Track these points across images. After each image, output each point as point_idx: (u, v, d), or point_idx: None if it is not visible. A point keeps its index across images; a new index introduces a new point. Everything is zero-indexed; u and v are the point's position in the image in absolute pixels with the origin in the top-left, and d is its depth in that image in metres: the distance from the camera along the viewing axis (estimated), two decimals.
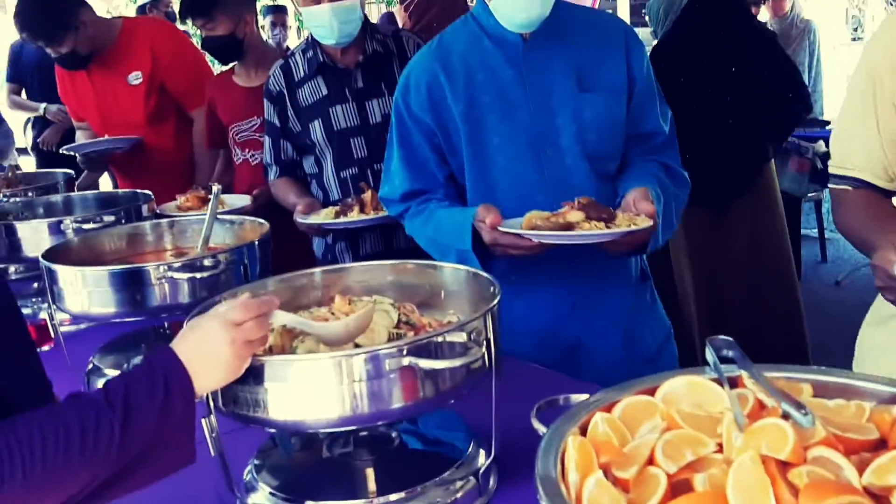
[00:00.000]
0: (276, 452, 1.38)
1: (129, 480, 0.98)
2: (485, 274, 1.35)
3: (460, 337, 1.12)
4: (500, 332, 1.20)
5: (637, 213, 1.55)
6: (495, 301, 1.19)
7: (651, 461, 0.84)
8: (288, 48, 5.71)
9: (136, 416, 0.96)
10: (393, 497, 1.18)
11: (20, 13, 2.82)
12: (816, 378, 0.95)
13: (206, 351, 1.05)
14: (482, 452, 1.28)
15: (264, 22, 5.78)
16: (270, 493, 1.23)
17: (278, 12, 5.92)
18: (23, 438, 0.90)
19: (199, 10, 2.64)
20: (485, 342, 1.14)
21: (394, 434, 1.34)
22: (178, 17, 2.73)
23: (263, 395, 1.11)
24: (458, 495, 1.19)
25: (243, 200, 2.60)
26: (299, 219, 2.20)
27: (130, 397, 0.97)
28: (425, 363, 1.07)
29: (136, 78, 2.98)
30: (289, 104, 2.33)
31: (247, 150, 2.82)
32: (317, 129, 2.29)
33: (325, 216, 2.21)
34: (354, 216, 2.14)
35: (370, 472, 1.27)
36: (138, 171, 3.09)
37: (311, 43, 2.30)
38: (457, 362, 1.08)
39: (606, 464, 0.83)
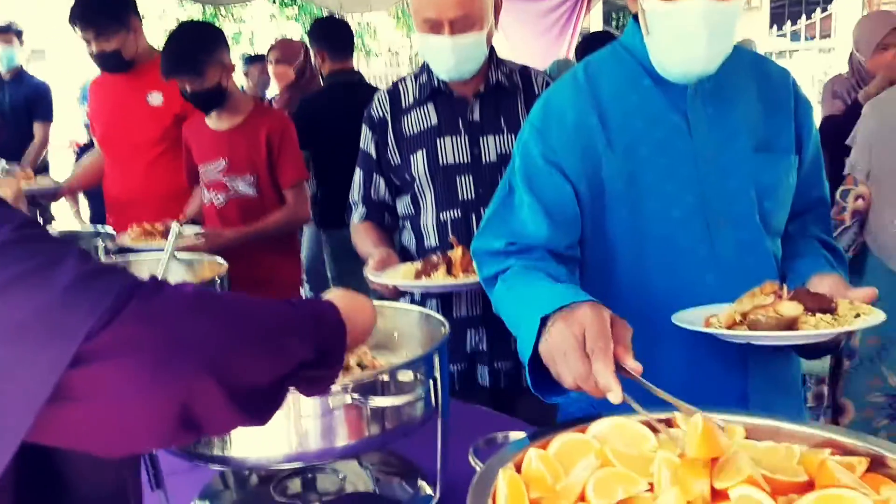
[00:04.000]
0: (221, 493, 1.37)
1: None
2: (437, 315, 1.36)
3: (406, 375, 1.13)
4: (447, 371, 1.21)
5: (850, 301, 1.26)
6: (442, 340, 1.21)
7: (582, 498, 0.85)
8: (263, 98, 5.77)
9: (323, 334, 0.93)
10: None
11: (76, 5, 2.90)
12: (748, 421, 0.97)
13: (361, 320, 1.05)
14: (428, 493, 1.27)
15: (248, 70, 5.83)
16: None
17: (259, 61, 5.95)
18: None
19: (189, 69, 2.58)
20: (431, 381, 1.15)
21: (341, 475, 1.33)
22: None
23: None
24: None
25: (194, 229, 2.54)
26: (370, 276, 1.86)
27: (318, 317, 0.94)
28: (370, 401, 1.08)
29: (156, 98, 3.01)
30: (390, 131, 2.03)
31: (212, 191, 2.79)
32: (419, 161, 1.99)
33: (402, 274, 1.84)
34: (438, 278, 1.77)
35: None
36: (129, 198, 3.10)
37: (426, 67, 2.01)
38: (401, 400, 1.09)
39: (537, 499, 0.84)
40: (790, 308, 1.22)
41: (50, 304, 0.68)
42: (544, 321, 1.11)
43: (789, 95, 1.47)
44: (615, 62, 1.46)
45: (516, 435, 0.99)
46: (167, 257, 1.77)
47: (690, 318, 1.29)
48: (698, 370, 1.38)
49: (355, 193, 2.12)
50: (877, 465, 0.87)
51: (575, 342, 1.02)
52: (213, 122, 2.81)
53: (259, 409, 0.84)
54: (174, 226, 1.86)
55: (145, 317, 0.71)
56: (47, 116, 4.96)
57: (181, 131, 2.99)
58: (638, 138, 1.39)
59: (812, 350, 1.35)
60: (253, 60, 5.94)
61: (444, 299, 1.99)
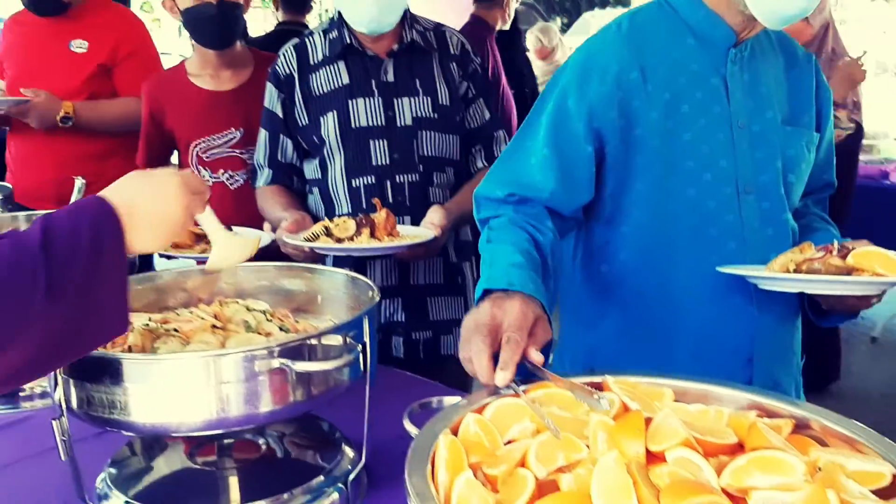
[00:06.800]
0: (133, 460, 1.30)
1: (64, 345, 0.86)
2: (364, 279, 1.33)
3: (335, 340, 1.10)
4: (376, 336, 1.19)
5: None
6: (372, 305, 1.18)
7: (523, 463, 0.84)
8: None
9: (61, 260, 0.84)
10: None
11: None
12: (677, 384, 0.99)
13: (156, 203, 0.95)
14: (353, 459, 1.25)
15: None
16: (126, 502, 1.16)
17: None
18: None
19: None
20: (360, 346, 1.12)
21: (261, 441, 1.29)
22: None
23: (122, 396, 1.04)
24: (326, 503, 1.16)
25: (262, 237, 2.01)
26: (285, 237, 1.73)
27: (52, 241, 0.84)
28: (297, 365, 1.04)
29: (79, 46, 2.72)
30: (298, 89, 1.91)
31: (220, 172, 2.34)
32: (329, 123, 1.88)
33: (322, 238, 1.74)
34: (363, 241, 1.70)
35: (234, 481, 1.22)
36: (35, 153, 2.78)
37: (338, 22, 1.90)
38: (329, 365, 1.06)
39: (477, 464, 0.83)
40: (842, 262, 1.21)
41: None
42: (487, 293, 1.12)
43: (812, 76, 1.49)
44: (660, 17, 1.43)
45: (450, 400, 0.97)
46: None
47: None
48: (707, 333, 1.40)
49: (260, 156, 2.00)
50: (802, 426, 0.90)
51: (490, 323, 1.04)
52: (209, 81, 2.35)
53: None
54: (78, 182, 1.74)
55: None
56: None
57: (105, 84, 2.70)
58: (680, 95, 1.37)
59: (831, 314, 1.39)
60: None
61: (358, 268, 1.91)
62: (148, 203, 0.95)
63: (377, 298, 1.21)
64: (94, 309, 0.87)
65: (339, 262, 1.90)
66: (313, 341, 1.07)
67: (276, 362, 1.03)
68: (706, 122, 1.36)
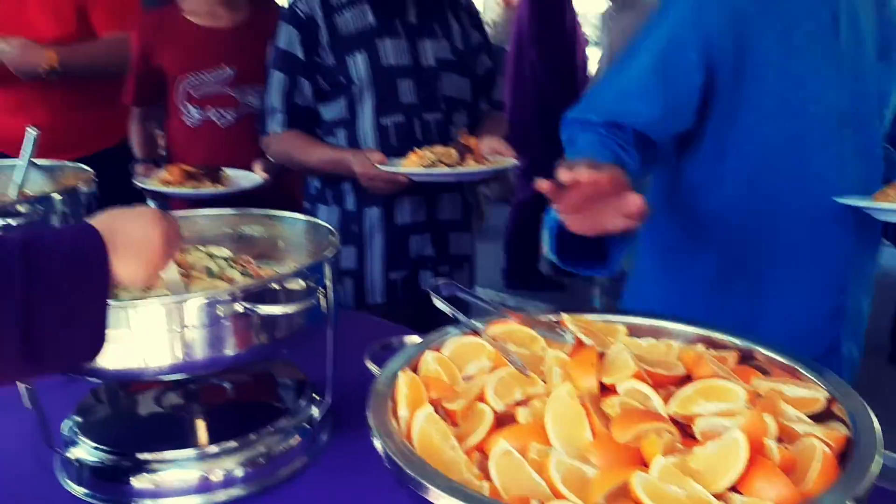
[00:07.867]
0: (99, 408, 1.32)
1: (38, 346, 0.83)
2: (324, 223, 1.34)
3: (297, 283, 1.12)
4: (337, 279, 1.20)
5: None
6: (334, 249, 1.19)
7: (481, 398, 0.88)
8: None
9: (41, 263, 0.82)
10: (225, 446, 1.16)
11: None
12: (630, 321, 1.03)
13: (135, 227, 0.96)
14: (318, 401, 1.28)
15: None
16: (94, 448, 1.18)
17: None
18: None
19: None
20: (321, 290, 1.14)
21: (226, 385, 1.31)
22: None
23: None
24: (293, 443, 1.19)
25: (252, 179, 2.13)
26: (379, 168, 1.80)
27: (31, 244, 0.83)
28: (259, 308, 1.06)
29: None
30: (324, 29, 1.92)
31: (210, 109, 2.32)
32: (359, 63, 1.92)
33: (438, 165, 1.80)
34: (471, 166, 1.79)
35: (201, 423, 1.24)
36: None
37: None
38: (291, 308, 1.07)
39: (436, 399, 0.86)
40: None
41: None
42: None
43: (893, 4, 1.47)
44: None
45: (411, 339, 1.00)
46: (25, 163, 1.64)
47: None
48: (803, 264, 1.43)
49: (275, 98, 2.00)
50: (746, 358, 0.95)
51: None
52: (204, 18, 2.33)
53: None
54: (31, 131, 1.71)
55: None
56: None
57: (82, 27, 2.48)
58: (792, 26, 1.35)
59: None
60: None
61: (387, 207, 1.99)
62: (128, 225, 0.96)
63: (337, 244, 1.23)
64: (70, 325, 0.87)
65: (368, 202, 1.99)
66: (275, 285, 1.09)
67: (239, 306, 1.05)
68: (815, 53, 1.36)
